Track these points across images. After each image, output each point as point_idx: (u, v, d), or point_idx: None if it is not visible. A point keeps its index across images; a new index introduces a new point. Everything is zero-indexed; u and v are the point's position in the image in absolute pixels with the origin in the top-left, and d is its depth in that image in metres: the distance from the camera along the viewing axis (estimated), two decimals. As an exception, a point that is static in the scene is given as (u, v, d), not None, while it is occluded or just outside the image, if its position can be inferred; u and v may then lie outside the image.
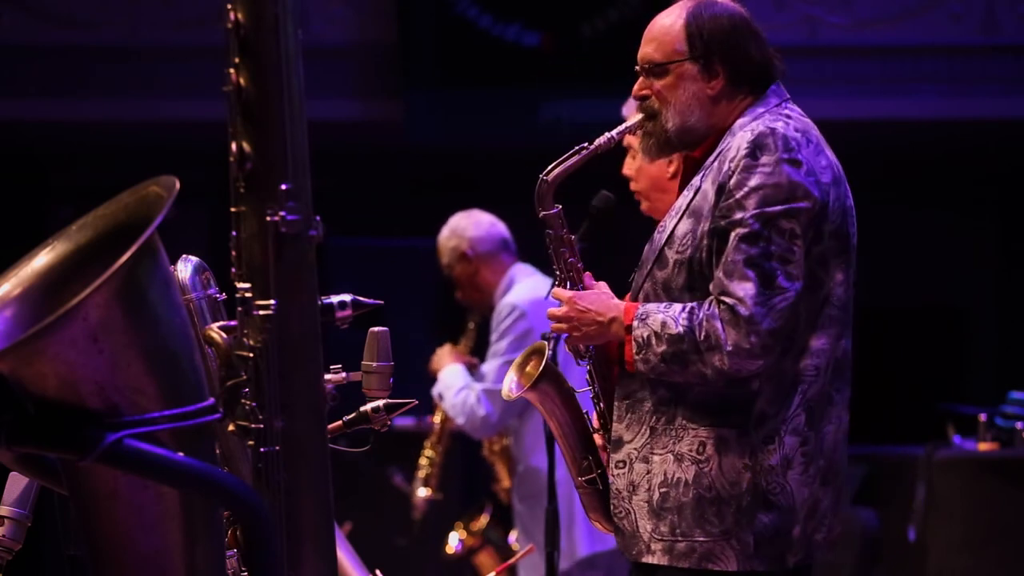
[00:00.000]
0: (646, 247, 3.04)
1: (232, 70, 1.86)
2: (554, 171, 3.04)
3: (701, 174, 2.97)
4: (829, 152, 2.97)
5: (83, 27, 8.00)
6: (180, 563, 1.85)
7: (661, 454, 2.92)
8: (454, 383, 5.20)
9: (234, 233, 1.89)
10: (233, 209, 1.89)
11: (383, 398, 2.46)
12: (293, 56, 1.86)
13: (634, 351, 2.90)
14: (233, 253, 1.90)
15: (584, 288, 3.05)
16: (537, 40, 8.07)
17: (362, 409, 2.48)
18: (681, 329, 2.84)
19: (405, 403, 2.48)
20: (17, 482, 2.49)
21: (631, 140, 3.31)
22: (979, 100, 8.23)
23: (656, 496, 2.91)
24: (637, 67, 3.07)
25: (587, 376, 3.10)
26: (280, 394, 1.87)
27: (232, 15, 1.86)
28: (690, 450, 2.89)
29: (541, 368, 3.06)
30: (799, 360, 2.90)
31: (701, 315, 2.83)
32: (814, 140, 2.95)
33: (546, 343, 3.12)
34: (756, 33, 3.05)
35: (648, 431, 2.95)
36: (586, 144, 3.04)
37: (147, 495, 1.81)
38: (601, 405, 3.08)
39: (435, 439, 5.71)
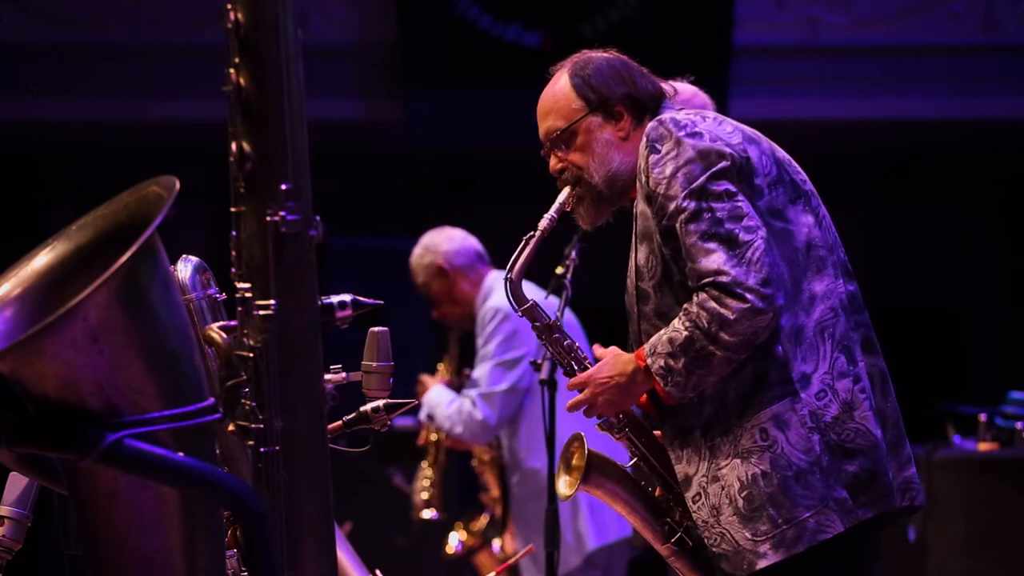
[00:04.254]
0: (625, 298, 3.07)
1: (232, 70, 1.86)
2: (515, 267, 3.08)
3: (635, 201, 3.02)
4: (734, 123, 3.00)
5: (83, 27, 8.00)
6: (180, 563, 1.85)
7: (727, 463, 2.91)
8: (441, 399, 5.22)
9: (234, 233, 1.89)
10: (233, 209, 1.89)
11: (383, 398, 2.46)
12: (293, 56, 1.86)
13: (662, 384, 2.91)
14: (233, 253, 1.90)
15: (588, 365, 3.07)
16: (537, 40, 8.07)
17: (362, 409, 2.48)
18: (686, 332, 2.86)
19: (405, 403, 2.48)
20: (17, 482, 2.49)
21: None
22: (979, 100, 8.23)
23: (741, 503, 2.89)
24: (544, 148, 3.13)
25: (630, 449, 3.09)
26: (280, 394, 1.87)
27: (232, 15, 1.86)
28: (753, 443, 2.89)
29: (586, 459, 3.06)
30: (812, 310, 2.92)
31: (694, 308, 2.85)
32: (711, 116, 3.00)
33: (583, 434, 3.11)
34: (638, 68, 3.13)
35: (708, 452, 2.94)
36: (532, 232, 3.08)
37: (147, 495, 1.81)
38: (657, 469, 3.07)
39: (432, 459, 5.72)
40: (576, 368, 3.09)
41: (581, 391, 3.03)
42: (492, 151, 8.86)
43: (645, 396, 3.01)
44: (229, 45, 1.87)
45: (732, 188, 2.87)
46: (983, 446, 6.07)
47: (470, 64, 8.15)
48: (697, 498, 2.96)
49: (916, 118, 8.29)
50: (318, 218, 1.89)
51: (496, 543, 5.50)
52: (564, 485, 3.11)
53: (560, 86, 3.13)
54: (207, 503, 1.87)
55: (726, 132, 2.95)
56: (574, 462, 3.09)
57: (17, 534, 2.49)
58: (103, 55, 8.02)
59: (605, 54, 3.14)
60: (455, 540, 5.78)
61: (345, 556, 2.74)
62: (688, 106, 3.22)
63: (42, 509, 2.51)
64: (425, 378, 5.41)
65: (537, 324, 3.12)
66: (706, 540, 2.96)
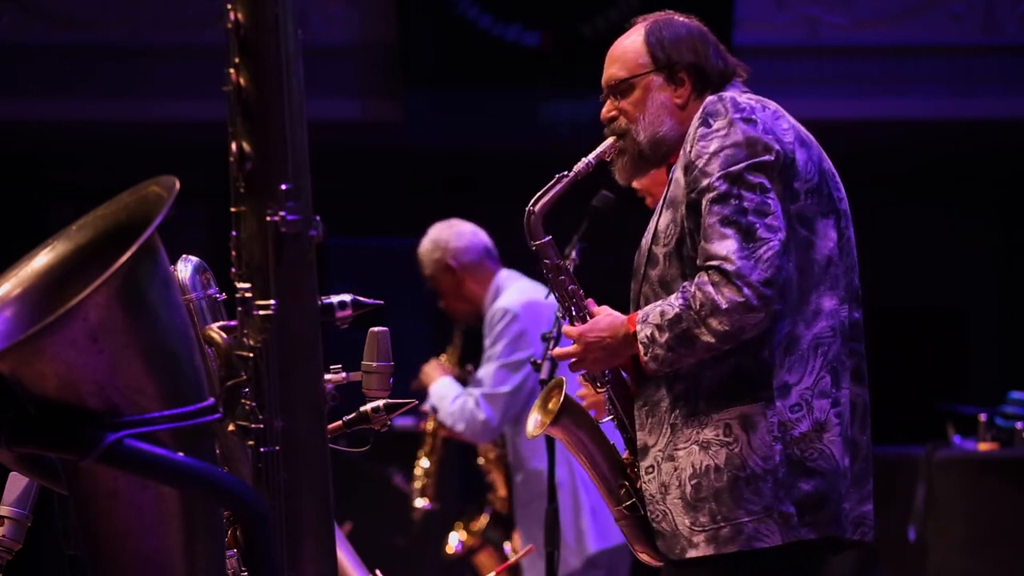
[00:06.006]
0: (636, 256, 3.06)
1: (232, 70, 1.86)
2: (540, 202, 3.07)
3: (674, 167, 3.03)
4: (792, 120, 3.00)
5: (83, 27, 8.00)
6: (180, 563, 1.85)
7: (685, 447, 2.92)
8: (448, 393, 5.20)
9: (234, 233, 1.89)
10: (233, 209, 1.89)
11: (383, 398, 2.46)
12: (293, 56, 1.86)
13: (643, 353, 2.91)
14: (233, 253, 1.90)
15: (589, 314, 3.07)
16: (537, 40, 8.07)
17: (362, 409, 2.48)
18: (678, 309, 2.86)
19: (405, 403, 2.48)
20: (17, 482, 2.49)
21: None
22: (979, 100, 8.23)
23: (688, 489, 2.90)
24: (603, 92, 3.14)
25: (607, 406, 3.10)
26: (280, 394, 1.87)
27: (232, 15, 1.86)
28: (716, 435, 2.89)
29: (561, 403, 3.06)
30: (813, 324, 2.91)
31: (692, 288, 2.85)
32: (771, 108, 2.99)
33: (564, 380, 3.11)
34: (715, 43, 3.12)
35: (669, 429, 2.95)
36: (565, 172, 3.08)
37: (147, 495, 1.81)
38: (628, 431, 3.07)
39: (428, 449, 5.71)
40: (576, 313, 3.09)
41: (574, 341, 3.04)
42: (492, 151, 8.86)
43: (629, 359, 3.02)
44: (229, 45, 1.87)
45: (767, 184, 2.86)
46: (983, 446, 6.07)
47: (470, 64, 8.14)
48: (650, 470, 2.97)
49: (916, 118, 8.29)
50: (318, 218, 1.89)
51: (508, 545, 5.49)
52: (534, 424, 3.12)
53: (633, 39, 3.12)
54: (207, 503, 1.87)
55: (781, 128, 2.94)
56: (550, 406, 3.10)
57: (17, 534, 2.49)
58: (103, 55, 8.02)
59: (687, 20, 3.14)
60: (455, 540, 5.78)
61: (345, 556, 2.74)
62: None
63: (42, 509, 2.51)
64: (432, 367, 5.38)
65: (547, 262, 3.11)
66: (649, 513, 2.98)
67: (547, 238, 3.10)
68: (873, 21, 8.22)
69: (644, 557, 3.07)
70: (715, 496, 2.87)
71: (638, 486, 3.03)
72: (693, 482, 2.90)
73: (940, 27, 8.20)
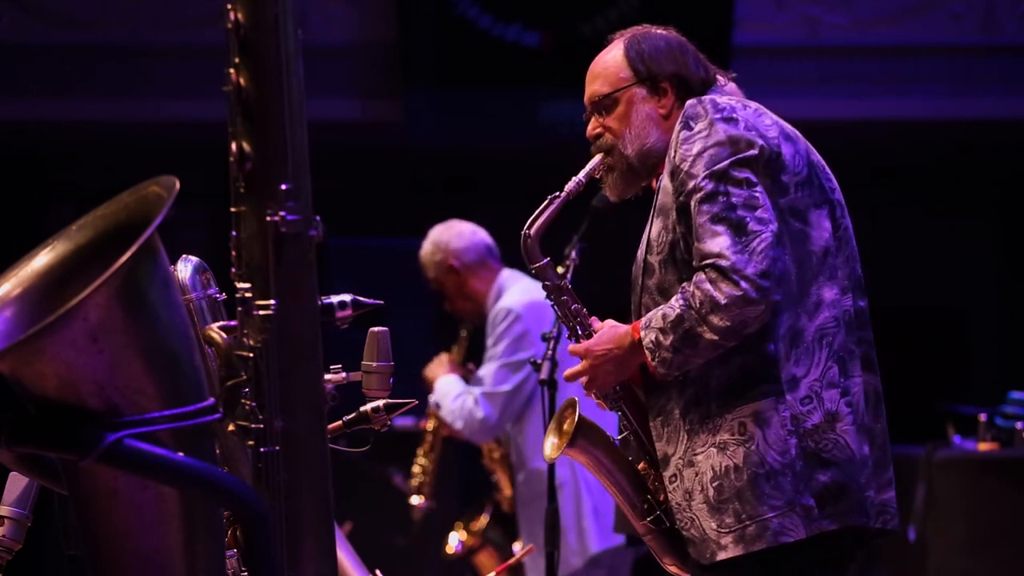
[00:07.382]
0: (632, 269, 3.07)
1: (232, 70, 1.86)
2: (535, 224, 3.08)
3: (661, 175, 3.03)
4: (775, 117, 3.01)
5: (83, 27, 8.00)
6: (180, 563, 1.85)
7: (703, 451, 2.92)
8: (451, 390, 5.21)
9: (234, 233, 1.90)
10: (233, 209, 1.89)
11: (383, 398, 2.46)
12: (293, 56, 1.86)
13: (650, 358, 2.91)
14: (233, 253, 1.90)
15: (593, 331, 3.07)
16: (537, 40, 8.07)
17: (362, 409, 2.48)
18: (679, 310, 2.86)
19: (405, 403, 2.48)
20: (17, 482, 2.49)
21: None
22: (979, 100, 8.22)
23: (711, 492, 2.90)
24: (585, 112, 3.14)
25: (621, 421, 3.09)
26: (280, 394, 1.87)
27: (232, 15, 1.86)
28: (731, 435, 2.89)
29: (576, 423, 3.05)
30: (816, 315, 2.91)
31: (691, 288, 2.85)
32: (752, 106, 3.00)
33: (576, 399, 3.10)
34: (694, 52, 3.14)
35: (686, 435, 2.95)
36: (557, 193, 3.09)
37: (147, 495, 1.81)
38: (645, 444, 3.06)
39: (428, 447, 5.72)
40: (580, 332, 3.09)
41: (581, 359, 3.03)
42: (492, 151, 8.86)
43: (637, 370, 3.01)
44: (229, 45, 1.87)
45: (753, 178, 2.87)
46: (983, 446, 6.07)
47: (470, 64, 8.14)
48: (673, 479, 2.97)
49: (916, 118, 8.29)
50: (318, 218, 1.89)
51: (516, 545, 5.48)
52: (551, 447, 3.11)
53: (613, 54, 3.12)
54: (207, 503, 1.87)
55: (764, 124, 2.95)
56: (565, 427, 3.09)
57: (17, 534, 2.49)
58: (103, 55, 8.02)
59: (664, 31, 3.15)
60: (455, 540, 5.78)
61: (345, 556, 2.74)
62: None
63: (42, 509, 2.51)
64: (438, 363, 5.38)
65: (547, 284, 3.12)
66: (678, 522, 2.98)
67: (545, 260, 3.11)
68: (873, 21, 8.22)
69: (673, 569, 3.07)
70: (738, 495, 2.87)
71: (660, 498, 3.03)
72: (715, 484, 2.89)
73: (940, 27, 8.20)
